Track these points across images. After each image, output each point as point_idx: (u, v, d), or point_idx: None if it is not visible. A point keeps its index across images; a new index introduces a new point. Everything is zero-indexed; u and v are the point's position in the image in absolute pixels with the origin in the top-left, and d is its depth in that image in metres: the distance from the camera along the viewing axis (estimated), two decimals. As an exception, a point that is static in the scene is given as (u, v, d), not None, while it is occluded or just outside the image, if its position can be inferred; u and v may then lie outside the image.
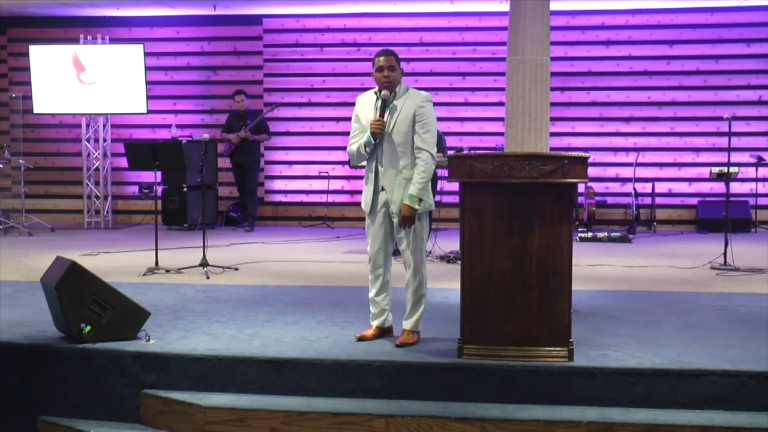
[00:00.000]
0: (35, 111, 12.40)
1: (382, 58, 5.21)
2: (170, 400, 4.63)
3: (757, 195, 11.84)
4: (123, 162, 10.75)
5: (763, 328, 5.36)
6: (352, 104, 13.43)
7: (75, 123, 12.98)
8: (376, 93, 5.26)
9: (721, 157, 11.31)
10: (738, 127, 11.56)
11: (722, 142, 11.11)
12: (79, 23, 12.89)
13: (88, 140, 12.59)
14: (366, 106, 5.27)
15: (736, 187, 11.69)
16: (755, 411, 4.30)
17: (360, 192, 14.28)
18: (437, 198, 9.53)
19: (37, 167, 12.63)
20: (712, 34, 12.13)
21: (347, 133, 13.97)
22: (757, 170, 11.61)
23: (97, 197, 12.69)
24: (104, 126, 12.66)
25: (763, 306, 6.14)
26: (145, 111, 12.23)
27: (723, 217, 8.74)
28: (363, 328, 5.30)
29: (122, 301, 5.08)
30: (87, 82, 12.15)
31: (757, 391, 4.33)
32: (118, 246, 9.85)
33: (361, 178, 12.62)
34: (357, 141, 5.27)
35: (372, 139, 5.12)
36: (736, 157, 10.88)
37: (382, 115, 5.12)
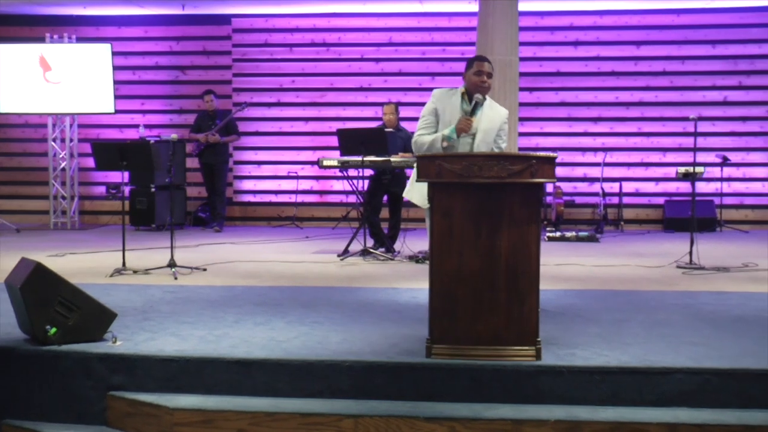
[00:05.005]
0: (0, 111, 12.26)
1: (486, 64, 5.40)
2: (137, 402, 4.59)
3: (722, 195, 11.98)
4: (90, 162, 10.67)
5: (727, 326, 5.42)
6: (322, 104, 13.35)
7: (41, 123, 12.87)
8: (463, 94, 5.40)
9: (688, 157, 11.47)
10: (704, 127, 11.71)
11: (688, 142, 11.25)
12: (45, 22, 12.78)
13: (54, 140, 12.48)
14: (450, 102, 5.39)
15: (701, 187, 11.83)
16: (719, 408, 4.34)
17: (329, 192, 14.13)
18: (405, 199, 9.57)
19: (2, 167, 12.52)
20: (678, 36, 12.26)
21: (316, 134, 13.94)
22: (722, 170, 11.76)
23: (63, 198, 12.58)
24: (71, 126, 12.56)
25: (727, 304, 6.21)
26: (113, 111, 12.15)
27: (689, 217, 8.84)
28: (333, 329, 5.30)
29: (89, 302, 5.03)
30: (53, 82, 12.04)
31: (720, 388, 4.37)
32: (85, 247, 9.77)
33: (329, 178, 12.67)
34: (428, 133, 5.40)
35: (455, 135, 5.28)
36: (701, 157, 11.03)
37: (471, 116, 5.30)
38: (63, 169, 12.56)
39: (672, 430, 4.18)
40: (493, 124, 5.41)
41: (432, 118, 5.41)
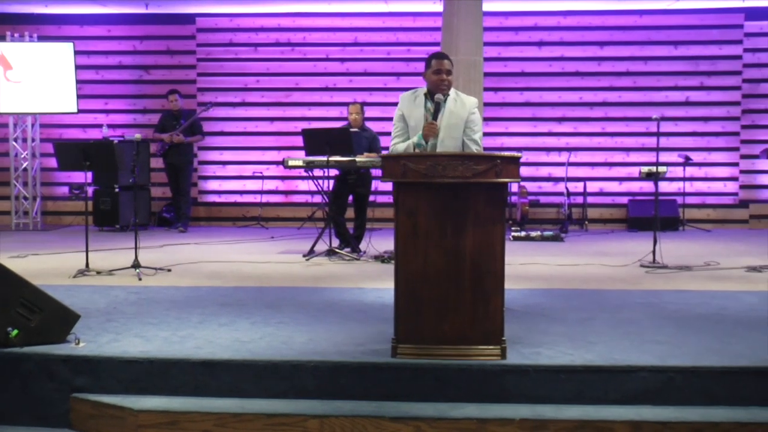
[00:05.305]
0: (-40, 110, 12.10)
1: (445, 62, 5.32)
2: (101, 404, 4.55)
3: (684, 194, 12.11)
4: (53, 162, 10.55)
5: (690, 325, 5.48)
6: (287, 104, 13.27)
7: (2, 122, 12.69)
8: (426, 95, 5.33)
9: (650, 157, 11.58)
10: (666, 127, 11.83)
11: (651, 142, 11.36)
12: (5, 20, 12.61)
13: (15, 140, 12.33)
14: (414, 106, 5.32)
15: (664, 186, 11.95)
16: (682, 405, 4.39)
17: (295, 192, 14.10)
18: (372, 198, 9.58)
19: (-38, 167, 12.33)
20: (641, 36, 12.38)
21: (281, 133, 13.90)
22: (684, 170, 11.89)
23: (25, 198, 12.43)
24: (33, 125, 12.41)
25: (690, 302, 6.27)
26: (76, 110, 12.02)
27: (652, 216, 8.92)
28: (298, 329, 5.29)
29: (51, 303, 4.98)
30: (14, 81, 11.89)
31: (684, 386, 4.41)
32: (47, 248, 9.66)
33: (295, 178, 12.62)
34: (402, 141, 5.33)
35: (423, 142, 5.20)
36: (664, 157, 11.14)
37: (435, 118, 5.23)
38: (25, 170, 12.41)
39: (636, 427, 4.21)
40: (458, 119, 5.31)
41: (401, 125, 5.36)
